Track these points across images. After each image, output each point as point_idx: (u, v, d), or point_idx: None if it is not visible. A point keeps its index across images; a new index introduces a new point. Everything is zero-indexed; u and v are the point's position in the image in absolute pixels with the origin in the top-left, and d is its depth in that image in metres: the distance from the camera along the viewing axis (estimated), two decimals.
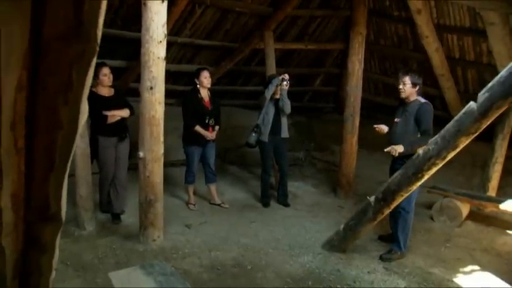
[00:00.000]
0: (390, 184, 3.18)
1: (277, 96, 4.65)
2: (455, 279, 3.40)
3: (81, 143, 3.70)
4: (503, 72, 2.48)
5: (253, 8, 4.91)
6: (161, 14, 3.25)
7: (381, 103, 6.76)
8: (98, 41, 0.75)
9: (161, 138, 3.49)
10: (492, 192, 4.89)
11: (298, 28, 6.13)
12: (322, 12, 5.97)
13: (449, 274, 3.47)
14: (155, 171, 3.50)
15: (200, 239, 3.89)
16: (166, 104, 5.83)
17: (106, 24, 4.65)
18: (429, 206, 4.69)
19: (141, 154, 3.46)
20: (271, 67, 5.42)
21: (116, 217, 4.11)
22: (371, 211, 3.33)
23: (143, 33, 3.26)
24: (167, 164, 4.47)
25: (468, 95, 5.68)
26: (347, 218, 4.63)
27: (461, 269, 3.58)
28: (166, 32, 3.32)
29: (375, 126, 3.77)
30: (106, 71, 3.86)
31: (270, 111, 4.69)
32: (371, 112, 6.47)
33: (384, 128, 3.74)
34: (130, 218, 4.17)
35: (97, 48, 0.75)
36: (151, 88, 3.33)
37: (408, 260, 3.66)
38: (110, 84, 3.93)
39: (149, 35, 3.25)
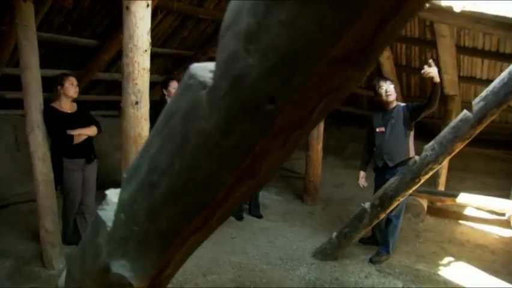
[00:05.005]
0: (387, 190, 3.29)
1: None
2: (440, 273, 3.66)
3: (43, 168, 3.18)
4: (495, 83, 2.72)
5: (216, 14, 4.73)
6: (146, 19, 2.92)
7: (337, 109, 7.01)
8: (370, 67, 0.60)
9: None
10: (441, 187, 5.38)
11: None
12: None
13: (433, 268, 3.72)
14: None
15: (189, 262, 3.59)
16: (112, 116, 5.32)
17: (53, 29, 4.08)
18: None
19: (126, 175, 3.07)
20: None
21: None
22: (367, 217, 3.41)
23: (126, 41, 2.89)
24: None
25: (410, 99, 6.20)
26: (321, 224, 4.74)
27: (440, 262, 3.87)
28: (150, 40, 3.00)
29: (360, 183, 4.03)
30: (73, 80, 3.37)
31: None
32: (326, 118, 6.68)
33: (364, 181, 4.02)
34: None
35: (363, 77, 0.60)
36: (137, 103, 2.96)
37: (395, 260, 3.83)
38: (75, 96, 3.43)
39: (134, 43, 2.89)
